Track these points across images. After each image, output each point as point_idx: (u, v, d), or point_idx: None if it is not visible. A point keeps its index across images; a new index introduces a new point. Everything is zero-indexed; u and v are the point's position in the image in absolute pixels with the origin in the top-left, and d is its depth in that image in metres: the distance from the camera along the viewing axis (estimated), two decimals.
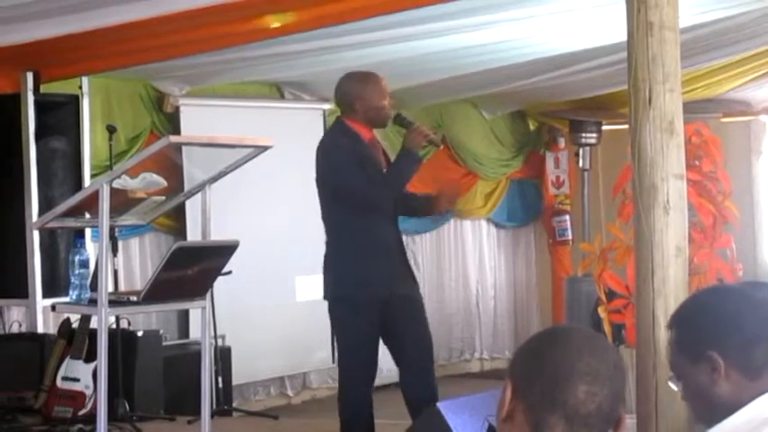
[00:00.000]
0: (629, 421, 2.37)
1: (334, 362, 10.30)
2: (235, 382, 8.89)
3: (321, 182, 6.30)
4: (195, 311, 8.10)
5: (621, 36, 5.14)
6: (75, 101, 8.27)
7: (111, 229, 7.05)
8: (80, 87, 8.30)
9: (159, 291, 5.69)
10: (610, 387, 2.14)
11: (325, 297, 6.39)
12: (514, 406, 2.17)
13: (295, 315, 9.81)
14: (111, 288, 6.44)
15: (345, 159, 6.13)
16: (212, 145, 6.13)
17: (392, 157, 6.47)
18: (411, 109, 10.34)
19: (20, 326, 8.20)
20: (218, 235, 6.21)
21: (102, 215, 5.48)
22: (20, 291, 7.97)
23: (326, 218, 6.37)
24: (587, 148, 11.65)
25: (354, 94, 6.24)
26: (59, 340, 7.53)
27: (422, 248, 11.50)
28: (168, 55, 7.75)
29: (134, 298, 5.81)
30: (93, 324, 6.62)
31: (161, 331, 8.28)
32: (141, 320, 8.58)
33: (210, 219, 5.99)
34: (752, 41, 8.83)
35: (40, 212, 7.65)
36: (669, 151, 4.93)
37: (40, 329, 7.95)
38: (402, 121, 6.41)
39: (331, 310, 6.32)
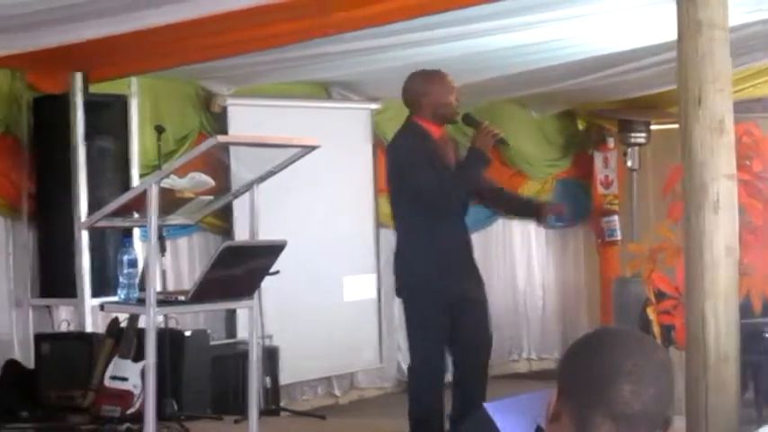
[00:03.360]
0: (679, 423, 2.35)
1: (381, 362, 10.32)
2: (282, 381, 8.90)
3: (391, 181, 6.37)
4: (243, 311, 8.12)
5: (670, 35, 5.11)
6: (123, 101, 8.32)
7: (160, 228, 7.05)
8: (129, 87, 8.35)
9: (207, 290, 5.70)
10: (656, 387, 2.13)
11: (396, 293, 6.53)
12: (561, 406, 2.17)
13: (343, 315, 9.82)
14: (159, 287, 6.46)
15: (414, 159, 6.17)
16: (259, 145, 6.14)
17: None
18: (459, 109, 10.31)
19: (68, 325, 8.25)
20: (265, 235, 6.21)
21: (151, 215, 5.50)
22: (69, 290, 8.01)
23: (395, 216, 6.47)
24: (636, 148, 11.61)
25: (420, 92, 6.30)
26: (108, 339, 7.57)
27: None
28: (216, 55, 7.77)
29: (182, 297, 5.82)
30: (142, 323, 6.65)
31: (208, 331, 8.30)
32: (189, 320, 8.60)
33: (258, 218, 6.00)
34: None
35: (89, 212, 7.68)
36: (719, 151, 4.89)
37: (89, 329, 7.99)
38: (471, 121, 6.45)
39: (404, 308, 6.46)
